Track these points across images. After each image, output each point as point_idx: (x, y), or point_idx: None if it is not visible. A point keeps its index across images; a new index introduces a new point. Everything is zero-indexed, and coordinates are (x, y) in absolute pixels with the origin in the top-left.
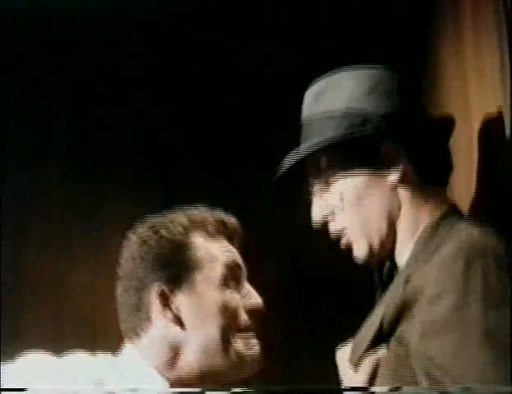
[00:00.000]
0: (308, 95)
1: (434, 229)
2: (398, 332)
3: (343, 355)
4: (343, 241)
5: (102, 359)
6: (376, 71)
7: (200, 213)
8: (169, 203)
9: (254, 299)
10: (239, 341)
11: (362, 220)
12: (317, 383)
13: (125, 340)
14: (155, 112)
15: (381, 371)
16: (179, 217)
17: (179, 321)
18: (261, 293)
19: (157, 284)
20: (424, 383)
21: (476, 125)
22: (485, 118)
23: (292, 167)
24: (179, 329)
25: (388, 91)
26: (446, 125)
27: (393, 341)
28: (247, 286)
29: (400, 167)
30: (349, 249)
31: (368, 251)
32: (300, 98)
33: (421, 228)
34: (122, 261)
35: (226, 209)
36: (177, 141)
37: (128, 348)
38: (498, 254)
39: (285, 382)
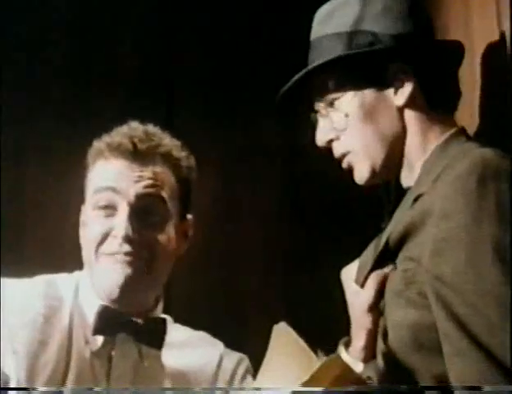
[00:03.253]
0: (317, 16)
1: (443, 149)
2: (406, 250)
3: (348, 273)
4: (344, 163)
5: (65, 277)
6: None
7: (118, 132)
8: (170, 122)
9: (117, 230)
10: (99, 267)
11: (367, 141)
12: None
13: None
14: (154, 29)
15: (387, 290)
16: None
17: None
18: (261, 216)
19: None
20: (434, 304)
21: (478, 51)
22: (487, 43)
23: (298, 86)
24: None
25: (399, 13)
26: (456, 50)
27: (401, 260)
28: (120, 216)
29: (409, 89)
30: (350, 171)
31: (370, 174)
32: (310, 19)
33: (428, 151)
34: None
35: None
36: (177, 61)
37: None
38: (511, 176)
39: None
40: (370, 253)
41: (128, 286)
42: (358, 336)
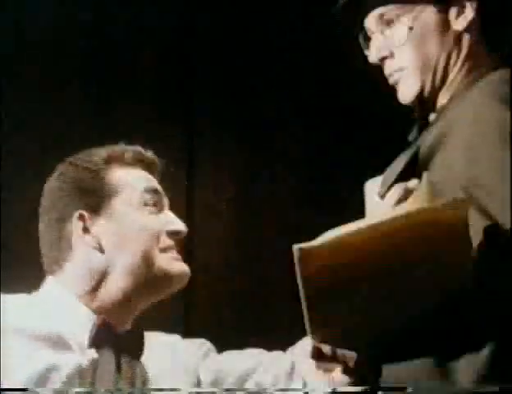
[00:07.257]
0: None
1: (477, 81)
2: (434, 163)
3: (372, 186)
4: (393, 79)
5: (23, 297)
6: None
7: (118, 147)
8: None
9: (176, 224)
10: (161, 259)
11: (422, 61)
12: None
13: (47, 274)
14: (178, 46)
15: (410, 198)
16: (98, 151)
17: (99, 246)
18: None
19: (76, 211)
20: None
21: None
22: None
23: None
24: (99, 254)
25: None
26: None
27: (431, 169)
28: (169, 213)
29: (470, 15)
30: (395, 89)
31: (419, 92)
32: None
33: (467, 80)
34: (42, 198)
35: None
36: (198, 79)
37: (48, 283)
38: None
39: None
40: (395, 166)
41: None
42: None
